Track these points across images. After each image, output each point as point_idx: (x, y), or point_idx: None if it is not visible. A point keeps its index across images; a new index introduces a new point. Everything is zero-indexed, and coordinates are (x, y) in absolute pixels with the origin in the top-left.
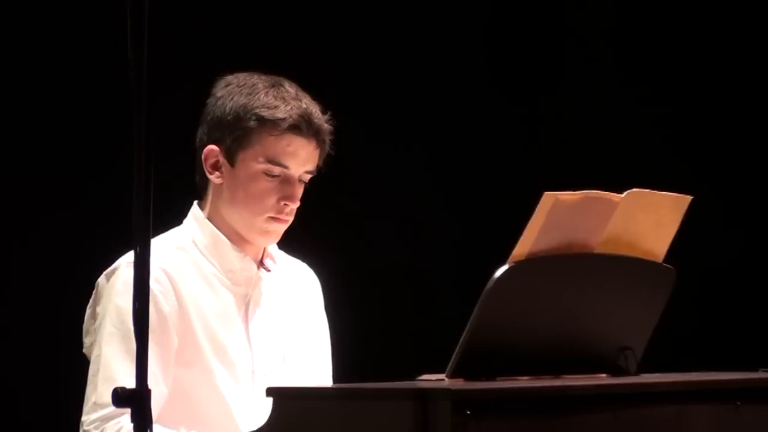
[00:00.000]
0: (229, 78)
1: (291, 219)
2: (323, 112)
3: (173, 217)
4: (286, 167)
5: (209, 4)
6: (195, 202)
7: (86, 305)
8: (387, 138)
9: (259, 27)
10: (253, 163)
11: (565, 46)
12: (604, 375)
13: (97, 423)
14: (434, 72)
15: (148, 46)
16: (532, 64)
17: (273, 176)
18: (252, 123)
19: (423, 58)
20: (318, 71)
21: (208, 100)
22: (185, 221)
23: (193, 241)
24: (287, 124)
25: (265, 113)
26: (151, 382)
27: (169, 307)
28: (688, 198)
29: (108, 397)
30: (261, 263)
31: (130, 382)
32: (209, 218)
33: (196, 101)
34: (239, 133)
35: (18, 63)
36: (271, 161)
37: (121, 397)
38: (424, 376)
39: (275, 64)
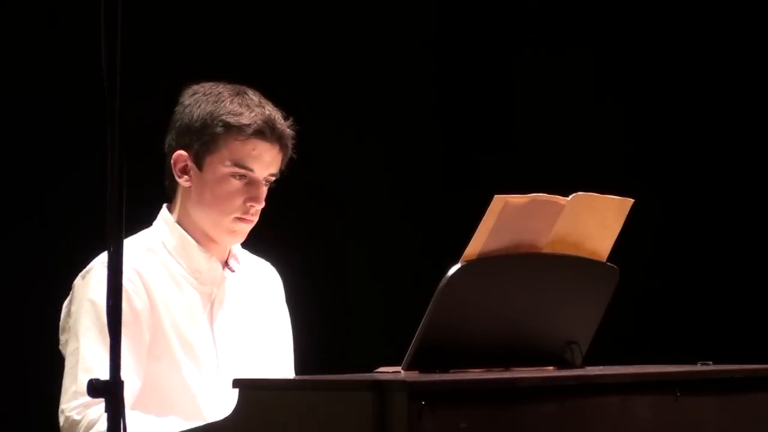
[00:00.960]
0: (195, 87)
1: (256, 219)
2: (285, 118)
3: (141, 219)
4: (251, 170)
5: (180, 11)
6: (164, 206)
7: (61, 305)
8: (348, 138)
9: (229, 33)
10: (220, 166)
11: (514, 45)
12: (551, 367)
13: (80, 409)
14: (387, 76)
15: (121, 52)
16: (482, 63)
17: (239, 179)
18: (219, 129)
19: (375, 65)
20: (282, 80)
21: (176, 108)
22: (154, 223)
23: (162, 243)
24: (252, 130)
25: (231, 119)
26: (126, 375)
27: (141, 304)
28: (630, 201)
29: (82, 387)
30: (226, 263)
31: (107, 374)
32: (178, 221)
33: (167, 106)
34: (207, 138)
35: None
36: (237, 164)
37: (95, 388)
38: (382, 369)
39: (243, 73)
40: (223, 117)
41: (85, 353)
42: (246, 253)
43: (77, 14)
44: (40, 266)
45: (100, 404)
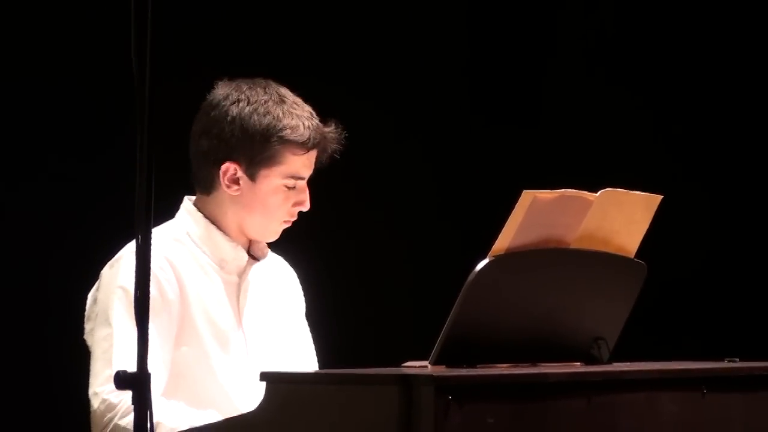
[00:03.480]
0: (233, 93)
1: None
2: (322, 120)
3: (164, 210)
4: (302, 178)
5: (211, 5)
6: (186, 197)
7: (85, 296)
8: (373, 133)
9: (256, 27)
10: (276, 179)
11: (547, 47)
12: (578, 363)
13: (117, 392)
14: (418, 74)
15: (150, 43)
16: (514, 63)
17: (290, 188)
18: (276, 146)
19: (407, 61)
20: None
21: (214, 114)
22: (177, 215)
23: (187, 233)
24: (310, 144)
25: (290, 136)
26: (156, 364)
27: (173, 293)
28: (659, 197)
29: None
30: (250, 254)
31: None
32: (209, 215)
33: (196, 97)
34: (266, 154)
35: (25, 58)
36: (292, 176)
37: (122, 380)
38: (409, 363)
39: (268, 62)
40: (281, 133)
41: (119, 338)
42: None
43: (105, 6)
44: (64, 257)
45: None
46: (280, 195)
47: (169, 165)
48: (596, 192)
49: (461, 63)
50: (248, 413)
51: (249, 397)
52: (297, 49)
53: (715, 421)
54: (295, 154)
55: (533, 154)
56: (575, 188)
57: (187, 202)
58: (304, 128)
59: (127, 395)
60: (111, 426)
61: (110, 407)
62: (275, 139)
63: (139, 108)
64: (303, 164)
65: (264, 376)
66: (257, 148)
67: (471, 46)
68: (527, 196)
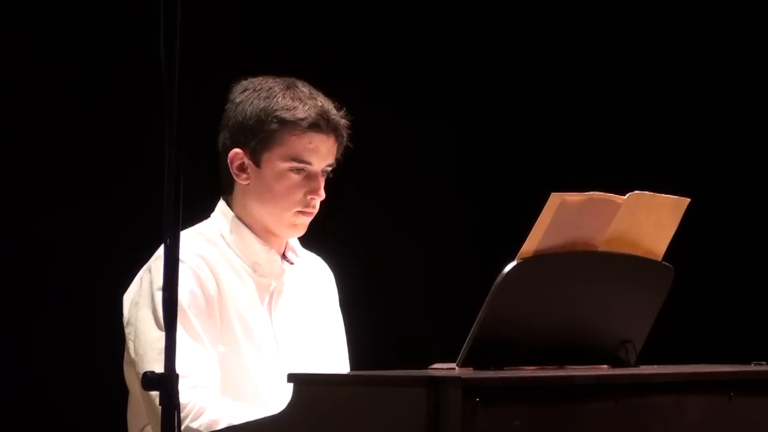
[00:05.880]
0: (245, 83)
1: (316, 211)
2: (338, 108)
3: (195, 212)
4: (309, 163)
5: (238, 3)
6: (221, 198)
7: (119, 297)
8: (403, 130)
9: (284, 26)
10: (279, 162)
11: (572, 44)
12: (605, 366)
13: (183, 393)
14: (444, 65)
15: (180, 46)
16: (538, 64)
17: (297, 173)
18: (274, 125)
19: (438, 59)
20: (334, 72)
21: (227, 106)
22: (212, 215)
23: (221, 235)
24: (307, 123)
25: (285, 114)
26: (211, 362)
27: (213, 291)
28: (687, 200)
29: (184, 369)
30: (284, 256)
31: (196, 359)
32: (237, 215)
33: (224, 101)
34: (263, 135)
35: (54, 62)
36: (295, 159)
37: (150, 381)
38: (436, 365)
39: (298, 64)
40: (277, 113)
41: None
42: (300, 246)
43: (135, 9)
44: (101, 259)
45: (207, 387)
46: (286, 180)
47: (202, 167)
48: (624, 194)
49: (491, 65)
50: (276, 414)
51: (281, 398)
52: (318, 47)
53: (742, 425)
54: (293, 134)
55: (560, 154)
56: (603, 190)
57: (222, 204)
58: (302, 109)
59: (195, 395)
60: (183, 428)
61: (180, 408)
62: (272, 118)
63: (167, 109)
64: (305, 147)
65: (291, 378)
66: (256, 130)
67: (501, 49)
68: (555, 199)
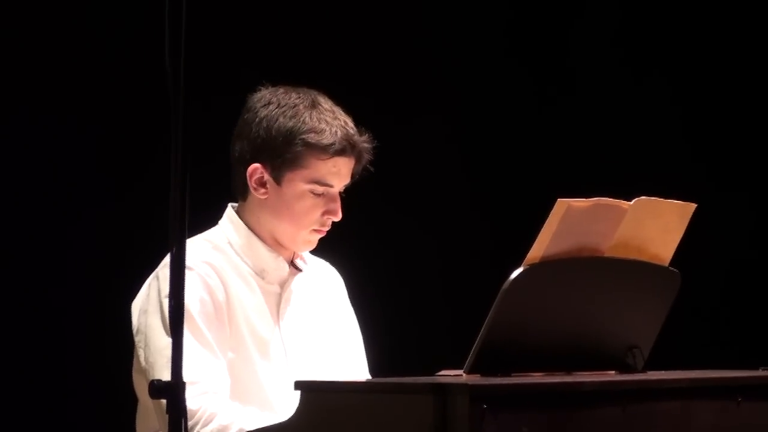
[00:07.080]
0: (267, 96)
1: (329, 228)
2: (360, 132)
3: (204, 218)
4: (330, 186)
5: (247, 9)
6: (229, 205)
7: (128, 305)
8: (414, 138)
9: (292, 35)
10: (301, 183)
11: (574, 51)
12: (612, 372)
13: (193, 399)
14: (461, 72)
15: (185, 52)
16: (546, 73)
17: (318, 195)
18: (299, 147)
19: (449, 64)
20: (346, 83)
21: (247, 117)
22: (220, 222)
23: (229, 242)
24: (334, 150)
25: (313, 139)
26: (221, 369)
27: (221, 297)
28: (693, 206)
29: (194, 375)
30: (291, 263)
31: (205, 365)
32: (247, 223)
33: (232, 108)
34: (288, 156)
35: (63, 68)
36: (318, 182)
37: (156, 389)
38: (443, 372)
39: (309, 71)
40: (304, 136)
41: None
42: (308, 253)
43: (139, 16)
44: (108, 265)
45: (217, 393)
46: (306, 201)
47: (211, 173)
48: (630, 200)
49: (501, 71)
50: (283, 422)
51: (290, 404)
52: (328, 55)
53: (751, 430)
54: (319, 159)
55: (567, 160)
56: (609, 195)
57: (230, 210)
58: (330, 133)
59: (205, 401)
60: None
61: (190, 414)
62: (298, 141)
63: (173, 118)
64: (329, 171)
65: (298, 385)
66: (280, 149)
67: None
68: (561, 205)
